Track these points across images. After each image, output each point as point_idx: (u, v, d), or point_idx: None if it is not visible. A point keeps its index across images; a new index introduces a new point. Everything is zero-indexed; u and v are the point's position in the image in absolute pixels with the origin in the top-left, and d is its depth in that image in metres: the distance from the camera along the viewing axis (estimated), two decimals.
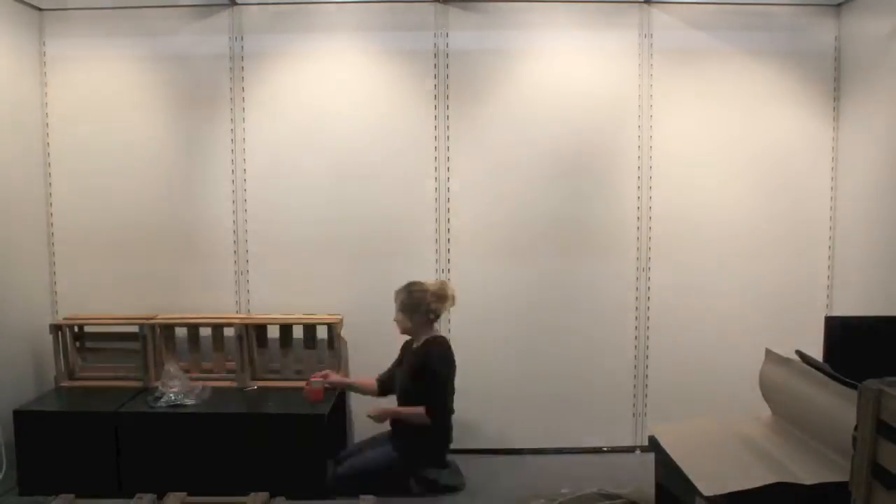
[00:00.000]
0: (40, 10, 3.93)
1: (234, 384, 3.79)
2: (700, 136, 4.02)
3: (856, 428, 1.84)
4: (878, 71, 3.62)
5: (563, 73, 3.98)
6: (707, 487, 2.25)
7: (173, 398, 3.50)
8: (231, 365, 3.85)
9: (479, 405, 3.98)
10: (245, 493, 2.60)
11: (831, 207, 4.03)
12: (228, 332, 3.82)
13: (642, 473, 3.36)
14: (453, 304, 3.61)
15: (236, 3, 3.94)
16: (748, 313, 4.04)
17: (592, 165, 4.01)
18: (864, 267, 3.76)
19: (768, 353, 2.94)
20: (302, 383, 3.65)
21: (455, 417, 3.61)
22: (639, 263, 4.04)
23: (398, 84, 3.99)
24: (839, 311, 3.94)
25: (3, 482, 3.41)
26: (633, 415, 4.08)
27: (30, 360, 3.79)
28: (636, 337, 4.06)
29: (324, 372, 3.67)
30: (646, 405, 4.06)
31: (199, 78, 3.99)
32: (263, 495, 2.59)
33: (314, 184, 3.99)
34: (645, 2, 3.93)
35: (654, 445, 2.84)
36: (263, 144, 4.00)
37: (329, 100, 3.98)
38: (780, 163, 4.02)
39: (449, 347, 3.58)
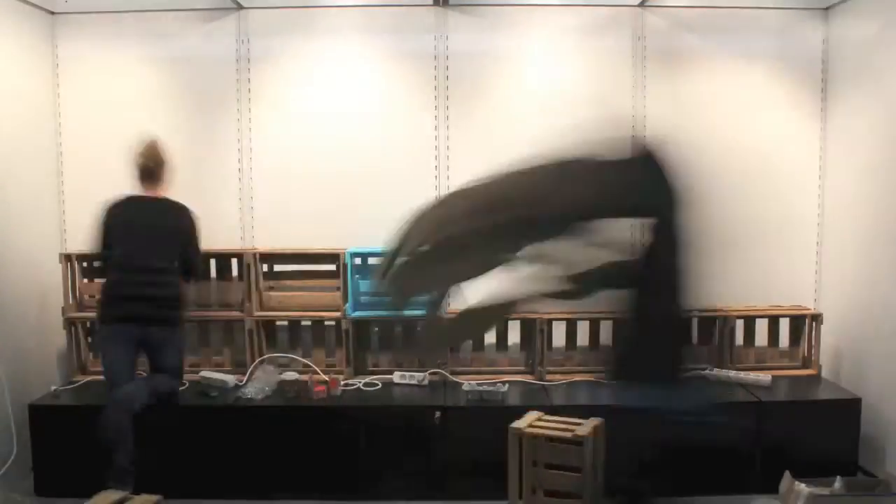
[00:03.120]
0: (52, 13, 4.04)
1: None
2: (691, 136, 4.15)
3: None
4: (865, 72, 3.74)
5: (560, 74, 4.10)
6: None
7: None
8: None
9: None
10: None
11: (819, 205, 4.15)
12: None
13: None
14: None
15: (243, 7, 4.05)
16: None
17: None
18: (849, 262, 3.89)
19: None
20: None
21: None
22: None
23: (399, 86, 4.11)
24: (826, 304, 4.07)
25: (15, 469, 3.52)
26: None
27: (42, 355, 3.90)
28: None
29: None
30: None
31: (207, 79, 4.10)
32: None
33: (318, 184, 4.11)
34: (639, 5, 4.06)
35: None
36: (269, 145, 4.12)
37: (332, 101, 4.09)
38: (770, 162, 4.14)
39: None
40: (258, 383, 3.69)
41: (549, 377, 3.92)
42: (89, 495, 3.33)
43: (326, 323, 3.99)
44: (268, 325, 4.04)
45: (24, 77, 3.81)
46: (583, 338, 4.15)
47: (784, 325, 4.15)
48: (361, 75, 4.12)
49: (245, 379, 3.84)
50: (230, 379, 3.80)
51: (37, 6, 3.91)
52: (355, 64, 4.11)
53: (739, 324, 4.02)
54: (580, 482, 2.94)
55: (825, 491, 3.18)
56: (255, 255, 3.94)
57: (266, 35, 4.09)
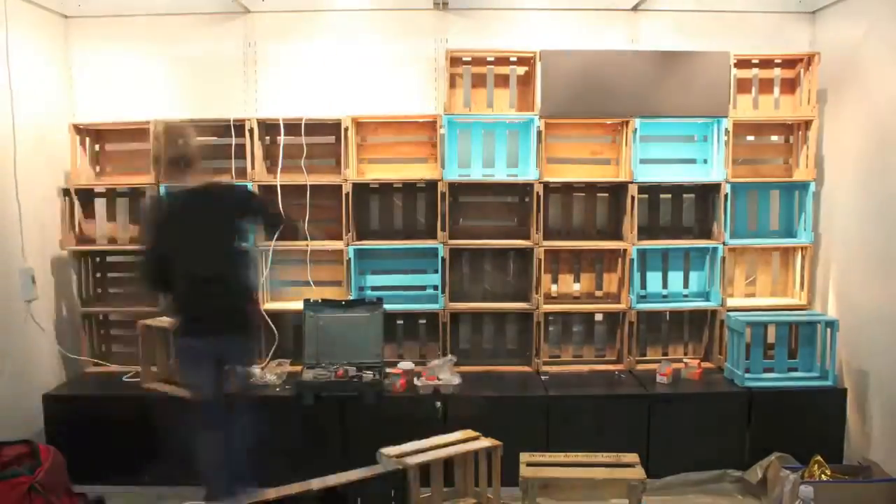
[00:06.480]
0: (66, 17, 4.18)
1: None
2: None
3: None
4: (851, 74, 3.85)
5: None
6: None
7: None
8: None
9: None
10: None
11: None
12: None
13: None
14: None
15: (249, 11, 4.19)
16: None
17: None
18: (840, 262, 4.00)
19: None
20: None
21: None
22: None
23: (401, 87, 4.23)
24: (818, 302, 4.20)
25: None
26: None
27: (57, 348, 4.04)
28: None
29: None
30: None
31: (215, 81, 4.24)
32: None
33: None
34: (632, 9, 4.19)
35: None
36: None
37: (335, 102, 4.20)
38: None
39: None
40: (271, 375, 3.86)
41: (545, 368, 4.07)
42: (100, 483, 3.51)
43: None
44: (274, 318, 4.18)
45: (39, 79, 3.94)
46: (578, 331, 4.31)
47: None
48: (364, 76, 4.25)
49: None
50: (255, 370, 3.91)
51: (51, 10, 4.05)
52: (358, 65, 4.24)
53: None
54: None
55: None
56: (261, 252, 4.08)
57: (272, 38, 4.23)
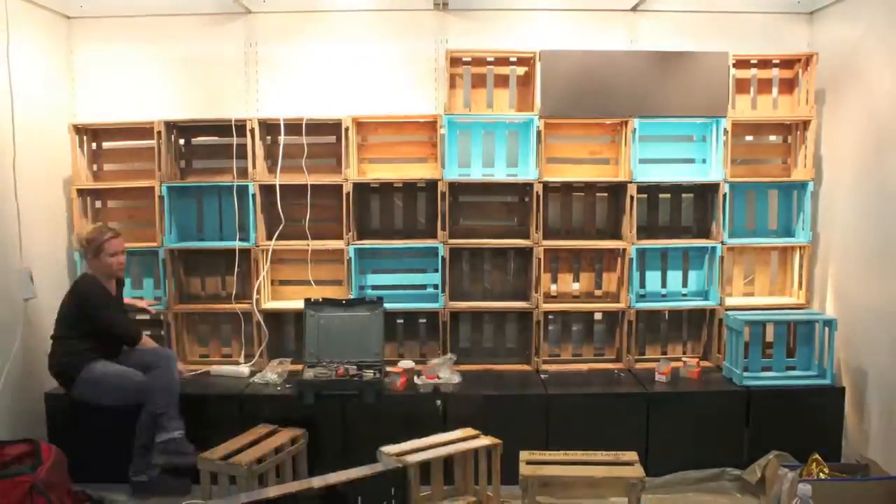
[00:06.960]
0: (68, 17, 4.20)
1: None
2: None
3: None
4: (849, 75, 3.87)
5: None
6: None
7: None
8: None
9: None
10: None
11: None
12: None
13: None
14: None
15: (251, 12, 4.21)
16: None
17: None
18: (838, 262, 4.02)
19: None
20: None
21: None
22: None
23: (401, 88, 4.25)
24: (816, 301, 4.21)
25: None
26: None
27: None
28: None
29: None
30: None
31: (216, 81, 4.27)
32: None
33: None
34: (631, 10, 4.21)
35: None
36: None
37: (336, 102, 4.22)
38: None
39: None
40: (271, 374, 3.86)
41: (544, 367, 4.09)
42: (102, 479, 3.53)
43: None
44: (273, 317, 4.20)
45: (41, 79, 3.96)
46: (577, 330, 4.33)
47: None
48: (364, 77, 4.27)
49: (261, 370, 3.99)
50: (245, 370, 3.97)
51: (53, 11, 4.07)
52: (358, 66, 4.26)
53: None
54: None
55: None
56: (262, 251, 4.10)
57: (273, 39, 4.25)
